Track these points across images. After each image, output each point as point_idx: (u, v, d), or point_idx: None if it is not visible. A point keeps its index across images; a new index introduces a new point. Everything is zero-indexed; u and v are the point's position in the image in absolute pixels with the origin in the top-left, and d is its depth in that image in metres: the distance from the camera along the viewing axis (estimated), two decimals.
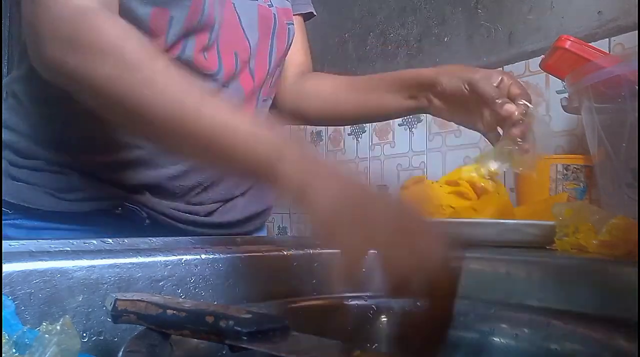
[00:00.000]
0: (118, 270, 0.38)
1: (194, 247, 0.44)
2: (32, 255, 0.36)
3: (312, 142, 1.73)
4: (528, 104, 0.62)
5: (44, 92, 0.61)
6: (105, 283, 0.37)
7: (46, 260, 0.35)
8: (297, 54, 0.84)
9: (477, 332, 0.41)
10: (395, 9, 1.44)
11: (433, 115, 0.74)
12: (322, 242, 0.40)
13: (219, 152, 0.43)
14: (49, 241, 0.41)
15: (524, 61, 1.09)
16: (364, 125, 1.50)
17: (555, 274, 0.42)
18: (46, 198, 0.60)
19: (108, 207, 0.61)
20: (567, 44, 0.69)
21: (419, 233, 0.37)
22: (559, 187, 0.81)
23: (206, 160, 0.48)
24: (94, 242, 0.43)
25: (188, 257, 0.42)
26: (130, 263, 0.39)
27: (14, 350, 0.26)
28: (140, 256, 0.40)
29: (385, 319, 0.44)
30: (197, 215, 0.67)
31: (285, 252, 0.48)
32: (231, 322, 0.26)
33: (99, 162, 0.61)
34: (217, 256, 0.44)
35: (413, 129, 1.35)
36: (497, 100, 0.62)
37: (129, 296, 0.31)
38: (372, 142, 1.48)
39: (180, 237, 0.51)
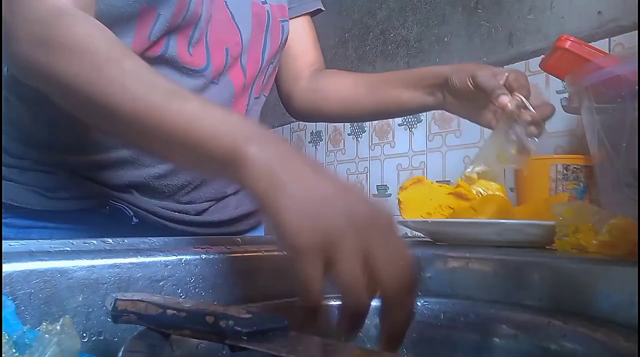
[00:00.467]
0: (118, 270, 0.38)
1: (194, 247, 0.44)
2: (32, 255, 0.36)
3: (312, 142, 1.73)
4: (522, 98, 0.62)
5: (31, 92, 0.62)
6: (105, 283, 0.37)
7: (46, 260, 0.35)
8: (309, 53, 0.85)
9: (477, 332, 0.41)
10: (395, 9, 1.44)
11: (448, 111, 0.75)
12: (292, 237, 0.33)
13: (186, 145, 0.40)
14: (49, 240, 0.41)
15: (524, 61, 1.10)
16: (364, 125, 1.51)
17: (555, 274, 0.42)
18: (35, 197, 0.60)
19: (95, 205, 0.62)
20: (567, 44, 0.69)
21: (390, 229, 0.35)
22: (559, 187, 0.81)
23: (177, 158, 0.45)
24: (94, 242, 0.43)
25: (188, 257, 0.42)
26: (130, 263, 0.39)
27: (14, 350, 0.26)
28: (140, 256, 0.40)
29: None
30: (187, 214, 0.67)
31: (285, 252, 0.48)
32: (231, 322, 0.26)
33: (85, 161, 0.61)
34: (217, 256, 0.44)
35: (413, 129, 1.35)
36: (494, 92, 0.63)
37: (129, 296, 0.31)
38: (372, 142, 1.48)
39: (180, 238, 0.51)
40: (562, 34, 0.71)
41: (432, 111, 1.22)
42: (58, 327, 0.27)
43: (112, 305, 0.31)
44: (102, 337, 0.36)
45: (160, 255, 0.41)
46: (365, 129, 1.50)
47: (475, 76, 0.66)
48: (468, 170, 0.65)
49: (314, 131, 1.69)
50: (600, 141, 0.59)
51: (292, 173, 0.35)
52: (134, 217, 0.63)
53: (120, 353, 0.26)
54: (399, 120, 1.38)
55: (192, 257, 0.42)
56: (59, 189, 0.61)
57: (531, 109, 0.63)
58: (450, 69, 0.72)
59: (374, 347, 0.43)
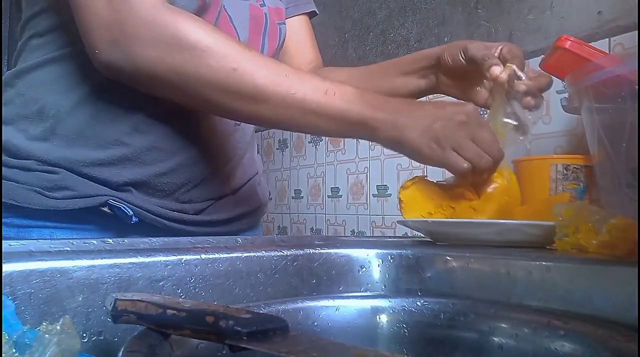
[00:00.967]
0: (118, 270, 0.38)
1: (194, 247, 0.44)
2: (32, 255, 0.36)
3: (312, 142, 1.73)
4: (515, 68, 0.62)
5: (46, 88, 0.62)
6: (105, 283, 0.37)
7: (46, 260, 0.35)
8: (308, 52, 0.86)
9: (477, 332, 0.41)
10: (395, 9, 1.44)
11: (443, 93, 0.76)
12: (429, 160, 0.58)
13: (322, 117, 0.58)
14: (49, 240, 0.41)
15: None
16: None
17: (555, 274, 0.42)
18: (34, 196, 0.61)
19: (95, 205, 0.62)
20: (567, 44, 0.69)
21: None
22: (559, 187, 0.81)
23: (311, 127, 0.59)
24: (94, 242, 0.43)
25: (188, 257, 0.42)
26: (130, 263, 0.39)
27: (14, 350, 0.26)
28: (140, 256, 0.40)
29: (385, 319, 0.44)
30: (185, 213, 0.68)
31: (285, 252, 0.48)
32: (231, 322, 0.26)
33: (86, 159, 0.62)
34: (217, 255, 0.44)
35: None
36: (485, 62, 0.63)
37: (129, 296, 0.31)
38: (372, 141, 1.48)
39: (180, 238, 0.51)
40: (562, 34, 0.71)
41: None
42: (58, 327, 0.27)
43: (112, 305, 0.31)
44: (102, 337, 0.36)
45: (160, 255, 0.41)
46: None
47: (467, 49, 0.68)
48: None
49: None
50: (600, 141, 0.59)
51: (406, 116, 0.58)
52: (133, 216, 0.63)
53: (120, 353, 0.26)
54: None
55: (192, 257, 0.42)
56: (58, 188, 0.61)
57: (524, 77, 0.62)
58: (441, 48, 0.73)
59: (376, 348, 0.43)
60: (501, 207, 0.61)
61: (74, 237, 0.60)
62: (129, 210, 0.63)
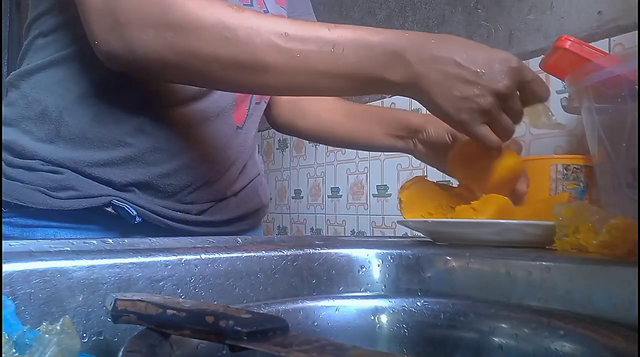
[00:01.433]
0: (118, 270, 0.38)
1: (194, 247, 0.44)
2: (32, 255, 0.36)
3: (311, 142, 1.73)
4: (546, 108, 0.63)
5: (49, 90, 0.62)
6: (105, 283, 0.37)
7: (46, 260, 0.35)
8: None
9: (477, 332, 0.41)
10: (395, 9, 1.44)
11: (416, 158, 0.79)
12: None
13: (336, 76, 0.53)
14: (49, 240, 0.41)
15: (524, 61, 1.09)
16: None
17: (555, 274, 0.42)
18: (39, 196, 0.61)
19: (98, 204, 0.62)
20: (567, 44, 0.69)
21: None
22: (559, 187, 0.81)
23: (328, 88, 0.55)
24: (94, 242, 0.43)
25: (188, 257, 0.42)
26: (130, 263, 0.39)
27: (14, 350, 0.26)
28: (140, 256, 0.40)
29: (385, 319, 0.44)
30: (188, 213, 0.68)
31: (285, 252, 0.48)
32: (231, 322, 0.26)
33: (90, 160, 0.62)
34: (217, 255, 0.44)
35: None
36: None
37: (129, 296, 0.31)
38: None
39: (180, 238, 0.51)
40: (562, 34, 0.71)
41: None
42: (58, 327, 0.27)
43: (112, 305, 0.31)
44: (102, 337, 0.36)
45: (160, 255, 0.41)
46: None
47: (456, 134, 0.69)
48: None
49: None
50: (600, 141, 0.59)
51: (434, 70, 0.52)
52: (137, 217, 0.63)
53: (120, 353, 0.26)
54: None
55: (192, 257, 0.42)
56: (63, 188, 0.61)
57: (553, 116, 0.64)
58: (425, 120, 0.75)
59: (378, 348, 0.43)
60: (501, 207, 0.61)
61: (78, 237, 0.60)
62: (133, 210, 0.63)
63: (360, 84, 0.54)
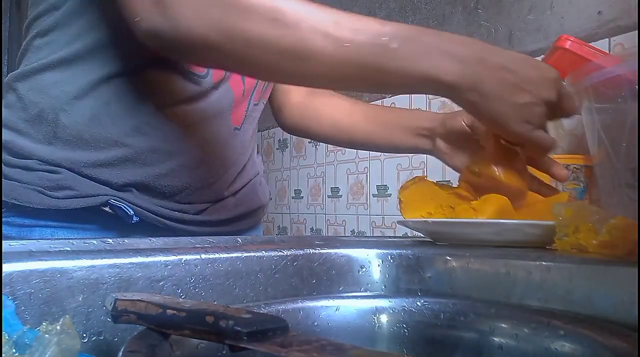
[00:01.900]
0: (118, 270, 0.38)
1: (194, 247, 0.44)
2: (32, 255, 0.36)
3: (311, 143, 1.73)
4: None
5: (45, 92, 0.62)
6: (105, 283, 0.37)
7: (46, 260, 0.35)
8: None
9: (477, 332, 0.41)
10: (395, 9, 1.44)
11: (435, 156, 0.77)
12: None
13: (379, 75, 0.52)
14: (49, 240, 0.41)
15: None
16: None
17: (555, 274, 0.42)
18: (36, 196, 0.61)
19: (95, 204, 0.62)
20: (567, 44, 0.69)
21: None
22: (559, 187, 0.81)
23: (372, 84, 0.56)
24: (94, 242, 0.43)
25: (188, 257, 0.42)
26: (130, 263, 0.39)
27: (14, 350, 0.26)
28: (140, 256, 0.40)
29: (385, 319, 0.44)
30: (186, 213, 0.68)
31: (285, 252, 0.48)
32: (231, 322, 0.26)
33: (87, 160, 0.62)
34: (217, 255, 0.44)
35: None
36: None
37: (129, 296, 0.31)
38: None
39: (180, 238, 0.51)
40: (562, 34, 0.71)
41: (435, 109, 1.22)
42: (58, 327, 0.27)
43: (112, 305, 0.31)
44: (102, 337, 0.36)
45: (160, 255, 0.41)
46: None
47: (475, 123, 0.68)
48: None
49: None
50: (600, 141, 0.59)
51: (490, 77, 0.52)
52: (134, 216, 0.63)
53: (120, 353, 0.26)
54: None
55: (192, 257, 0.42)
56: (60, 188, 0.61)
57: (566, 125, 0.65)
58: (444, 115, 0.75)
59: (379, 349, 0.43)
60: (501, 207, 0.61)
61: (76, 236, 0.60)
62: (130, 210, 0.63)
63: (409, 80, 0.53)
